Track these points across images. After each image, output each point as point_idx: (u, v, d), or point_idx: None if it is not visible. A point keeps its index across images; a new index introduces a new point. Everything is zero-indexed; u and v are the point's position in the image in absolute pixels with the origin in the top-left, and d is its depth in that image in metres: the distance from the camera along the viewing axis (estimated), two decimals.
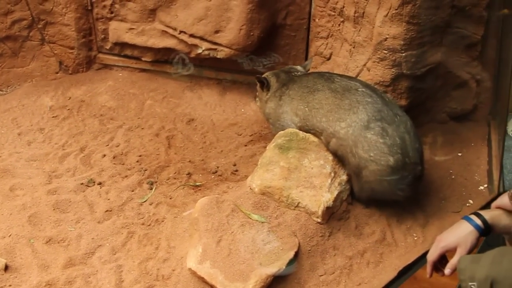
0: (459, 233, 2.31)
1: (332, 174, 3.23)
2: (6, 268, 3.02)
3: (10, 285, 2.95)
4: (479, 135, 4.04)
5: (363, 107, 3.22)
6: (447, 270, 2.27)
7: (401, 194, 3.24)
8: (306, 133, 3.48)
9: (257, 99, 4.08)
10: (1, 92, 4.67)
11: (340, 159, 3.35)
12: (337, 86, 3.40)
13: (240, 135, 4.23)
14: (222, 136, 4.21)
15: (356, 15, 3.62)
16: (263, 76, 3.86)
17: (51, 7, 4.63)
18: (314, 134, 3.46)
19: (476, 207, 3.41)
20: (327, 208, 3.10)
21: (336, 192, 3.18)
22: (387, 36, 3.41)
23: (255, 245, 2.91)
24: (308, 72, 3.88)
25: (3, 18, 4.51)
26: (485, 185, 3.61)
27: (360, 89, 3.31)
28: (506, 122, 3.87)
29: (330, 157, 3.30)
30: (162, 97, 4.61)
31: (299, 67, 3.94)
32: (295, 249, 2.92)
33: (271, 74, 3.90)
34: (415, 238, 3.25)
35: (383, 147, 3.12)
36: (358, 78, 3.68)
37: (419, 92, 3.70)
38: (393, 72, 3.52)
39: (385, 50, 3.46)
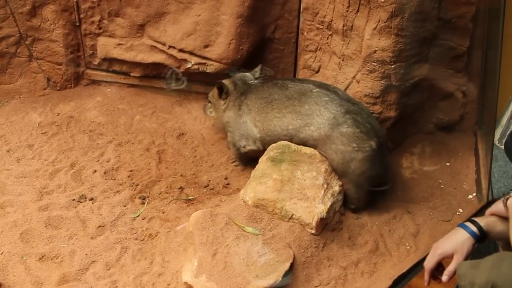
0: (456, 240, 2.35)
1: (325, 186, 3.26)
2: (0, 286, 3.00)
3: None
4: (466, 145, 4.09)
5: (324, 108, 3.35)
6: (444, 277, 2.30)
7: (387, 172, 3.53)
8: (268, 144, 3.58)
9: (210, 109, 4.17)
10: None
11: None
12: (292, 92, 3.53)
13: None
14: (213, 150, 4.22)
15: (344, 28, 3.67)
16: (222, 82, 3.95)
17: (39, 24, 4.62)
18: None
19: (466, 215, 3.45)
20: (321, 219, 3.12)
21: (329, 203, 3.20)
22: (376, 49, 3.45)
23: (251, 258, 2.92)
24: (263, 81, 3.96)
25: None
26: (474, 194, 3.66)
27: (314, 90, 3.45)
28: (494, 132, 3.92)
29: (323, 169, 3.32)
30: (151, 112, 4.61)
31: (249, 74, 4.04)
32: (290, 261, 2.93)
33: (228, 81, 3.98)
34: (408, 247, 3.27)
35: (361, 135, 3.26)
36: (347, 89, 3.72)
37: (407, 104, 3.75)
38: (382, 84, 3.56)
39: (374, 62, 3.50)
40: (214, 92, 4.03)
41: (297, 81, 3.63)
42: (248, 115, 3.73)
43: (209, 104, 4.16)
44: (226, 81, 3.96)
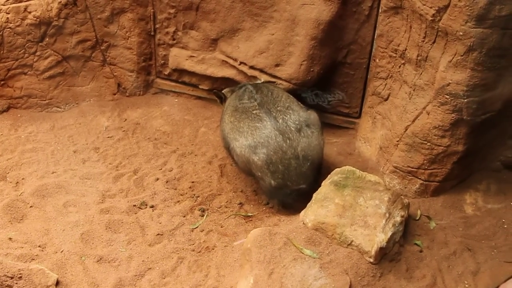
0: None
1: (387, 215, 3.22)
2: (57, 283, 3.06)
3: None
4: None
5: (251, 133, 3.66)
6: None
7: (291, 202, 3.71)
8: (226, 145, 3.88)
9: None
10: (59, 109, 4.77)
11: None
12: (240, 107, 3.85)
13: None
14: None
15: (418, 58, 3.63)
16: (222, 91, 4.25)
17: (116, 30, 4.74)
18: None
19: None
20: (380, 248, 3.09)
21: (390, 233, 3.16)
22: (450, 81, 3.41)
23: (306, 281, 2.90)
24: (242, 85, 4.19)
25: (68, 37, 4.62)
26: None
27: (254, 111, 3.75)
28: None
29: (386, 198, 3.29)
30: (216, 125, 4.66)
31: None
32: None
33: (228, 89, 4.28)
34: (466, 286, 3.19)
35: (266, 172, 3.62)
36: (417, 120, 3.67)
37: (477, 139, 3.67)
38: (453, 117, 3.51)
39: (447, 95, 3.45)
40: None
41: (254, 90, 3.95)
42: (224, 115, 4.00)
43: None
44: (226, 89, 4.28)
